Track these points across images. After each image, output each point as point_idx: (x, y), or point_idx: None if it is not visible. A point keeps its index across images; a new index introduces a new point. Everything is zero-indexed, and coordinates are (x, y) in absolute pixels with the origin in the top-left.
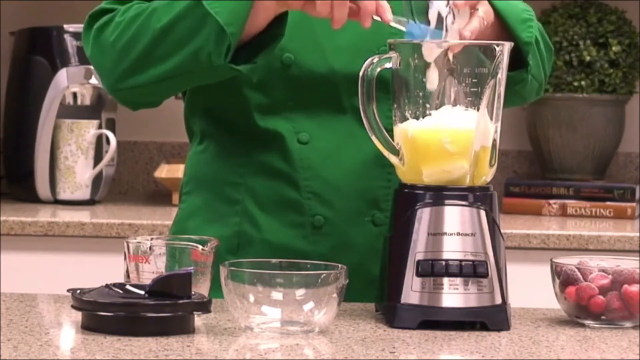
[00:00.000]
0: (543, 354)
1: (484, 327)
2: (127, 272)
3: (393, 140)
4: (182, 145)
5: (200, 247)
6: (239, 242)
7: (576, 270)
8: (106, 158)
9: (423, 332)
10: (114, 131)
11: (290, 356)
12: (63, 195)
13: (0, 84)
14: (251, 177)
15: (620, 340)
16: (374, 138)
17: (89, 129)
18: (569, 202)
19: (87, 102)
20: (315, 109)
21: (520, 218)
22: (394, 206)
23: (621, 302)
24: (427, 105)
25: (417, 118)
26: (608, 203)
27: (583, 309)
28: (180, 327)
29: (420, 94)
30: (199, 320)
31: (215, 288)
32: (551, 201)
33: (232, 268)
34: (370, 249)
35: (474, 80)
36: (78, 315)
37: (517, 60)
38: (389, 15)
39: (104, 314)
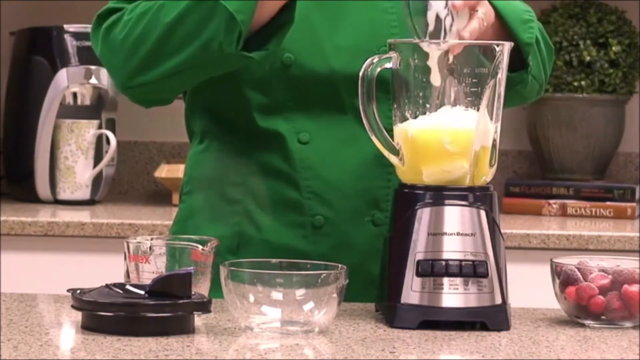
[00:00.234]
0: (543, 354)
1: (484, 327)
2: (127, 272)
3: (393, 140)
4: (182, 145)
5: (200, 247)
6: (239, 242)
7: (576, 270)
8: (106, 158)
9: (423, 332)
10: (114, 131)
11: (290, 356)
12: (63, 195)
13: (0, 84)
14: (251, 177)
15: (620, 340)
16: (374, 138)
17: (89, 129)
18: (569, 202)
19: (87, 102)
20: (315, 109)
21: (520, 218)
22: (394, 206)
23: (621, 302)
24: (427, 105)
25: (417, 118)
26: (608, 203)
27: (583, 309)
28: (180, 327)
29: (420, 94)
30: (199, 320)
31: (215, 288)
32: (551, 201)
33: (232, 268)
34: (370, 249)
35: (474, 80)
36: (78, 315)
37: (518, 61)
38: None
39: (104, 314)
